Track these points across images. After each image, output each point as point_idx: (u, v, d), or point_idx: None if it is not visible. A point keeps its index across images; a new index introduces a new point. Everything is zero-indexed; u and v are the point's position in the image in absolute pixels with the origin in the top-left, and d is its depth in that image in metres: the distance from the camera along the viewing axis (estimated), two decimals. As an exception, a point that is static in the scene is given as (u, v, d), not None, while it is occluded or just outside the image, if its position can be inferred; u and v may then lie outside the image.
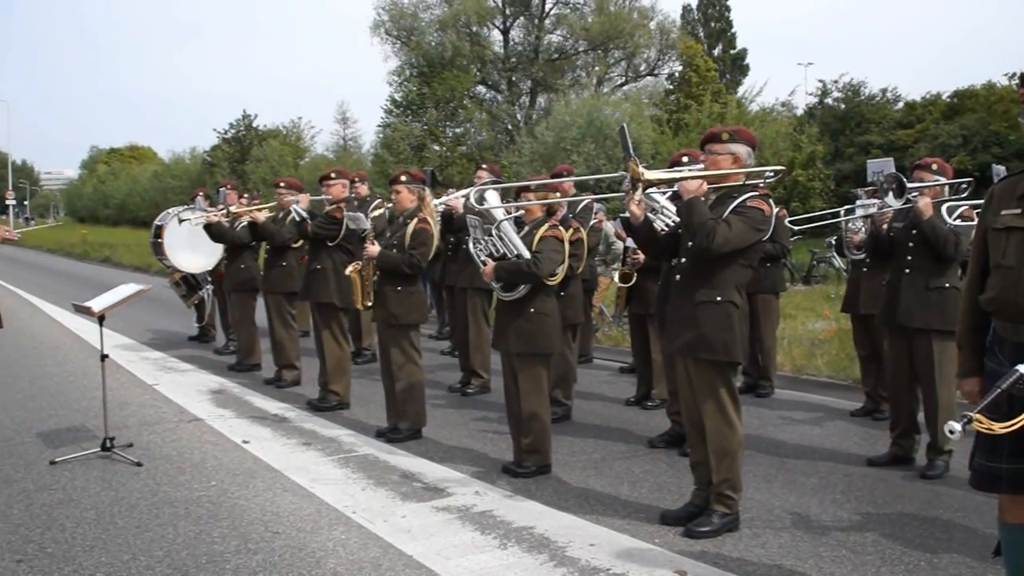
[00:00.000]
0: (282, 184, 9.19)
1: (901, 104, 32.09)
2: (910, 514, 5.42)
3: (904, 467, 6.36)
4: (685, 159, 6.80)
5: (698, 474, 5.24)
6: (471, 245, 6.42)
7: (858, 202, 8.14)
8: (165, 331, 13.34)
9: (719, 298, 4.87)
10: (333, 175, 8.40)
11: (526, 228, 6.27)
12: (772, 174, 5.00)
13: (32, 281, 22.67)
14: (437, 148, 40.05)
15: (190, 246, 11.22)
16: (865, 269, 7.77)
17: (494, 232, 6.21)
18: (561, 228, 6.24)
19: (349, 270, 7.36)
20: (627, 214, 6.88)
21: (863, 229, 7.76)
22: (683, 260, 5.03)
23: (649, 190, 5.56)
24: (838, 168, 28.74)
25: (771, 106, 35.39)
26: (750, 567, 4.59)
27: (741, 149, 4.93)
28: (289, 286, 9.20)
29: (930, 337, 6.14)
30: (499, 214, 6.24)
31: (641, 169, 4.65)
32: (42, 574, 4.53)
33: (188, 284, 12.24)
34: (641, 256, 7.74)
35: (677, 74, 42.60)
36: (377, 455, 6.71)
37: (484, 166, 9.36)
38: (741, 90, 42.89)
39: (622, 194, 9.70)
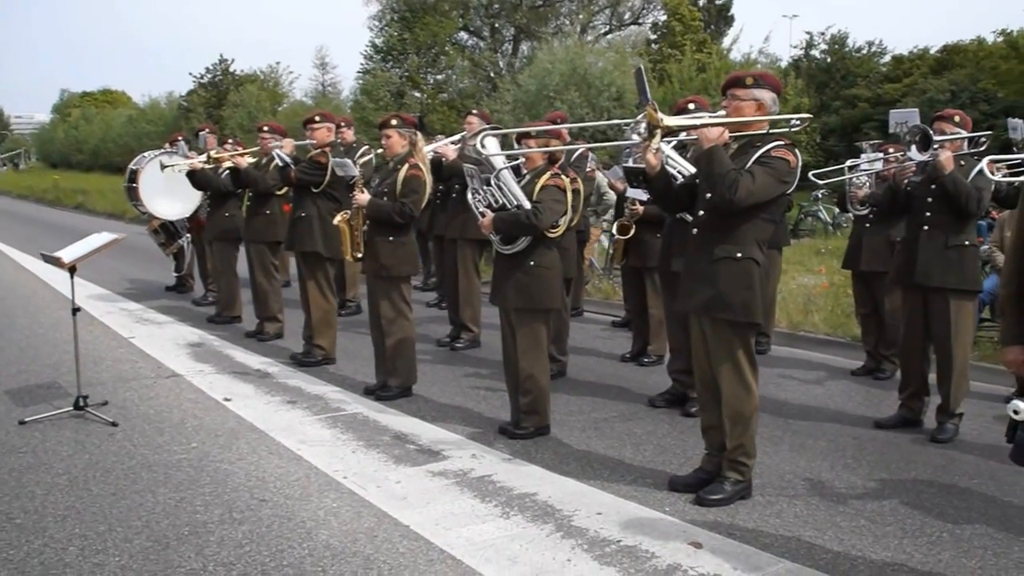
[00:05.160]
0: (265, 128, 8.75)
1: (888, 58, 31.67)
2: (925, 480, 5.20)
3: (913, 430, 6.14)
4: (692, 106, 6.48)
5: (709, 439, 4.96)
6: (469, 195, 6.06)
7: (863, 156, 7.86)
8: (141, 281, 12.92)
9: (739, 254, 4.56)
10: (318, 118, 7.97)
11: (526, 177, 5.93)
12: (798, 122, 4.66)
13: (0, 227, 22.10)
14: (418, 95, 39.42)
15: (167, 192, 10.72)
16: (868, 225, 7.55)
17: (493, 181, 5.87)
18: (563, 177, 5.88)
19: (337, 219, 7.00)
20: (628, 163, 6.60)
21: (867, 184, 7.51)
22: (701, 213, 4.70)
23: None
24: (824, 121, 28.36)
25: (752, 57, 34.94)
26: (767, 538, 4.34)
27: (766, 95, 4.59)
28: (272, 235, 8.82)
29: (947, 296, 5.90)
30: (498, 162, 5.89)
31: (660, 115, 4.30)
32: (9, 548, 4.20)
33: (167, 232, 11.82)
34: (640, 208, 7.44)
35: (661, 23, 41.99)
36: (367, 414, 6.40)
37: (475, 111, 8.98)
38: (726, 41, 42.30)
39: (616, 143, 9.36)
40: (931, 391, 6.23)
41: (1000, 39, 27.46)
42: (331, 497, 4.84)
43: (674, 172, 6.02)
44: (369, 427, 6.11)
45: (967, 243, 5.92)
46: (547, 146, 5.91)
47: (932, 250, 5.91)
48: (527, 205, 5.69)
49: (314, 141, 7.90)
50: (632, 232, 7.66)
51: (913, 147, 5.77)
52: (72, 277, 6.44)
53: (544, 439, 5.87)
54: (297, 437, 5.86)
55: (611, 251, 12.11)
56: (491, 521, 4.52)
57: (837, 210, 21.25)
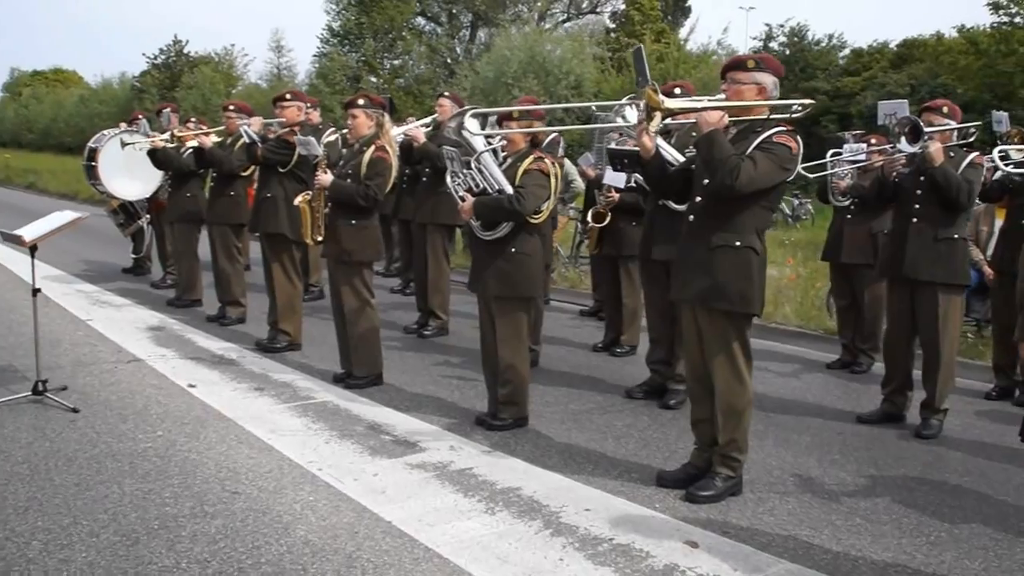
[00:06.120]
0: (231, 107, 8.45)
1: (847, 51, 31.91)
2: (915, 477, 5.12)
3: (896, 425, 6.07)
4: (678, 91, 6.31)
5: (700, 432, 4.81)
6: (448, 179, 5.84)
7: (845, 147, 7.77)
8: (97, 262, 12.50)
9: (738, 243, 4.40)
10: (288, 96, 7.68)
11: (508, 161, 5.73)
12: (799, 107, 4.51)
13: (-53, 205, 21.43)
14: (374, 80, 39.05)
15: (127, 171, 10.34)
16: (849, 216, 7.48)
17: (473, 165, 5.65)
18: (547, 161, 5.67)
19: (299, 200, 6.74)
20: (612, 146, 6.41)
21: (849, 175, 7.42)
22: (698, 200, 4.54)
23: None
24: (782, 114, 28.55)
25: (711, 48, 35.04)
26: (764, 537, 4.21)
27: (767, 79, 4.44)
28: (236, 217, 8.53)
29: (936, 290, 5.80)
30: (479, 145, 5.66)
31: (660, 97, 4.12)
32: (-33, 540, 3.94)
33: (127, 212, 11.45)
34: (616, 195, 7.28)
35: (620, 12, 41.95)
36: (337, 403, 6.18)
37: (447, 94, 8.74)
38: (683, 32, 42.36)
39: (588, 127, 9.17)
40: (915, 386, 6.15)
41: (958, 35, 27.72)
42: (307, 490, 4.62)
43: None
44: (341, 416, 5.89)
45: (956, 236, 5.84)
46: (529, 128, 5.72)
47: (921, 243, 5.80)
48: (509, 190, 5.49)
49: (283, 120, 7.63)
50: (607, 220, 7.50)
51: (903, 139, 5.66)
52: (33, 256, 6.13)
53: (523, 431, 5.70)
54: (267, 426, 5.62)
55: (580, 239, 12.01)
56: (476, 517, 4.33)
57: (796, 202, 21.34)
